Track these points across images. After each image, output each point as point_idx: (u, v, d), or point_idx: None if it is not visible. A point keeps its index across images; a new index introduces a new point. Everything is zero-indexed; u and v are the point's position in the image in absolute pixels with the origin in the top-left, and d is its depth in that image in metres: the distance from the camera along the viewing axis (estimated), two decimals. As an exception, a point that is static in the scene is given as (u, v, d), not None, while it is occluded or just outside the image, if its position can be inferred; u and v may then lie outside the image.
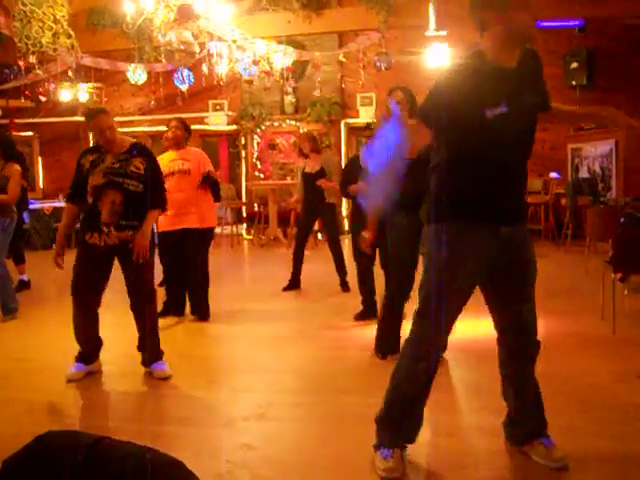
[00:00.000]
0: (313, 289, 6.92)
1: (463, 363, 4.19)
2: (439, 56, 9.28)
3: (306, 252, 6.95)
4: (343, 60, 10.74)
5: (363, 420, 3.28)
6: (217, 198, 5.68)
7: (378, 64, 8.67)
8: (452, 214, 2.52)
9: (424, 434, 3.12)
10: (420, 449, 2.97)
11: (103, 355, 4.18)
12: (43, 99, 9.26)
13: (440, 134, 2.44)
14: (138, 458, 1.34)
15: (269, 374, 4.11)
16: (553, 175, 10.37)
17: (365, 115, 11.65)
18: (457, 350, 4.14)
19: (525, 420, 2.76)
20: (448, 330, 2.65)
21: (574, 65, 10.57)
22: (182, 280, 5.64)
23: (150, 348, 4.07)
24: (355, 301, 6.18)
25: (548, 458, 2.68)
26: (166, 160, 5.41)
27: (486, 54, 2.44)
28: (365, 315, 5.44)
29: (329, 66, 11.37)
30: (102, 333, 4.11)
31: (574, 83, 10.48)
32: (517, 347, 2.69)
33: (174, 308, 5.69)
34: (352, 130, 12.17)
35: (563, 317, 5.28)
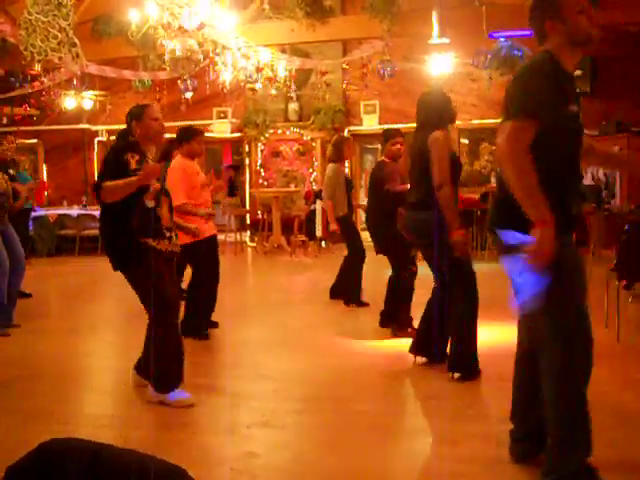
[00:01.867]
0: (317, 297, 6.92)
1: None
2: (441, 63, 9.30)
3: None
4: (346, 67, 10.74)
5: (367, 428, 3.28)
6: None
7: (381, 72, 8.69)
8: (563, 229, 2.46)
9: (428, 442, 3.12)
10: (424, 457, 2.96)
11: (107, 362, 4.16)
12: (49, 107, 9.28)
13: (541, 135, 2.37)
14: (141, 465, 1.34)
15: (273, 381, 4.10)
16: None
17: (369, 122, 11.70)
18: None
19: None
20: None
21: (577, 72, 10.56)
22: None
23: None
24: (358, 308, 6.18)
25: None
26: (196, 170, 5.24)
27: (555, 56, 2.49)
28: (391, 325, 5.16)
29: (333, 74, 11.40)
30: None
31: (578, 91, 10.46)
32: None
33: (196, 328, 5.04)
34: (356, 137, 12.18)
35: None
